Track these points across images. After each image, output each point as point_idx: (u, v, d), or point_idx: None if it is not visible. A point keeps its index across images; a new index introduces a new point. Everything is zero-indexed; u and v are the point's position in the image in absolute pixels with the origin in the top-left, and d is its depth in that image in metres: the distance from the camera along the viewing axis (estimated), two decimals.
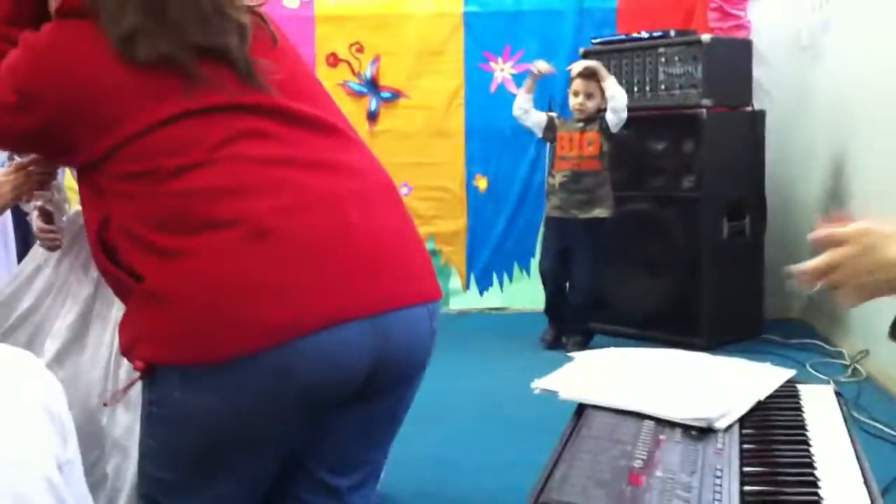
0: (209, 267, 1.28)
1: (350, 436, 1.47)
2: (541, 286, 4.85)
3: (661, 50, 4.78)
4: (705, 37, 4.70)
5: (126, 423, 1.96)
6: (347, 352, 1.32)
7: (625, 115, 4.50)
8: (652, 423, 1.39)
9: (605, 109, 4.54)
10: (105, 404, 1.94)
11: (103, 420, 2.00)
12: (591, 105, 4.56)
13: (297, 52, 1.56)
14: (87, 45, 1.35)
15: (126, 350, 1.38)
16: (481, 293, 5.76)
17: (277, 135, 1.39)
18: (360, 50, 5.65)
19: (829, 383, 1.71)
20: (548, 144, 4.78)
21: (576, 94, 4.61)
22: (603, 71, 4.57)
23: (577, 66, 4.66)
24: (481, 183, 5.71)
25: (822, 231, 1.23)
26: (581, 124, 4.59)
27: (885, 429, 3.23)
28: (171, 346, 1.30)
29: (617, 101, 4.48)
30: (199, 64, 1.36)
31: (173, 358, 1.30)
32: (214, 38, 1.38)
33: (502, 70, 5.63)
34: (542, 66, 4.69)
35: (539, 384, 1.56)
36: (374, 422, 1.49)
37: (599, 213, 4.57)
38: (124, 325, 1.39)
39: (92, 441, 1.95)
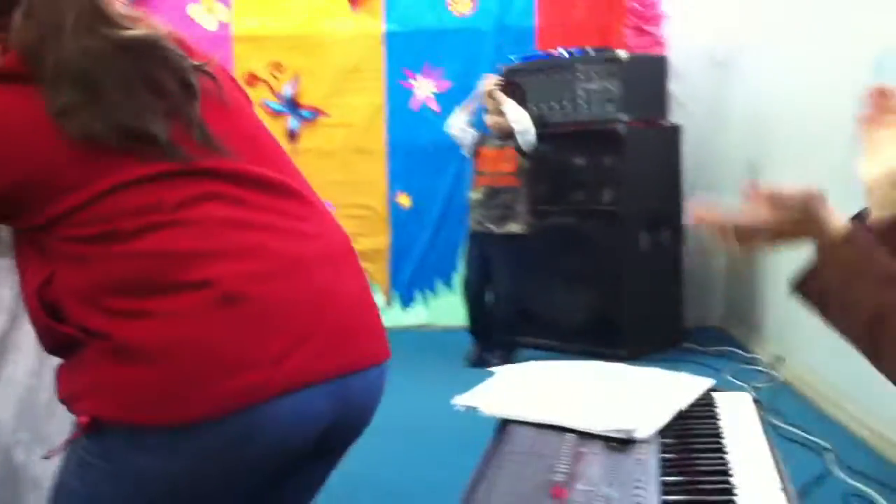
0: (174, 329, 1.24)
1: (294, 490, 1.48)
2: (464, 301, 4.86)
3: (580, 67, 4.85)
4: (623, 53, 4.79)
5: (45, 463, 1.89)
6: (307, 416, 1.32)
7: (530, 136, 4.54)
8: (573, 436, 1.40)
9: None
10: (45, 457, 1.87)
11: (19, 457, 1.93)
12: (504, 122, 4.58)
13: (251, 109, 1.51)
14: (30, 114, 1.26)
15: (68, 400, 1.32)
16: (404, 310, 5.76)
17: (240, 198, 1.35)
18: (280, 69, 5.62)
19: (746, 390, 1.74)
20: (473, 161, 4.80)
21: (488, 111, 4.65)
22: (499, 96, 4.57)
23: (482, 84, 4.68)
24: (404, 200, 5.71)
25: (772, 188, 1.14)
26: (499, 142, 4.63)
27: (801, 433, 3.32)
28: (128, 404, 1.24)
29: (520, 124, 4.52)
30: (135, 139, 1.29)
31: (127, 417, 1.24)
32: (144, 120, 1.29)
33: (423, 88, 5.65)
34: (487, 83, 4.66)
35: (460, 400, 1.57)
36: (317, 475, 1.50)
37: (514, 228, 4.61)
38: (67, 374, 1.32)
39: (5, 479, 1.88)
